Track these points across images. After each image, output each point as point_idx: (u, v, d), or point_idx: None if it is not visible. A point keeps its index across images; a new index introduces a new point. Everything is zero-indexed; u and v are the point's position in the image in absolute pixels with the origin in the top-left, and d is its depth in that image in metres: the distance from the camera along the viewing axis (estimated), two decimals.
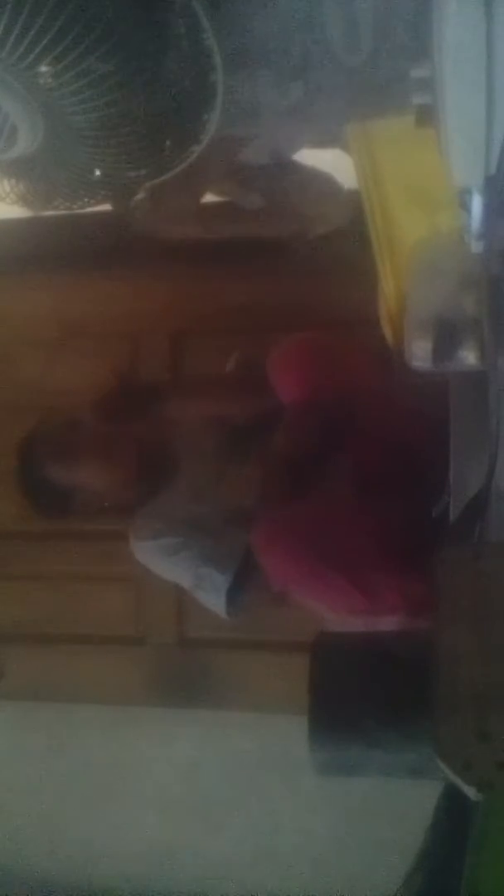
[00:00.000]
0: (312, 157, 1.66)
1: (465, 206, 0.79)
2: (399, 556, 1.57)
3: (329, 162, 1.63)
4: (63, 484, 1.91)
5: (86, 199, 0.92)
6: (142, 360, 2.44)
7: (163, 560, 1.86)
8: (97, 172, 0.83)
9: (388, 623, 1.59)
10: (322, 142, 1.45)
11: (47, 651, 2.45)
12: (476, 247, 0.84)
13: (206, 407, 1.98)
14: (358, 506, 1.72)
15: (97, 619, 2.43)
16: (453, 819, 1.20)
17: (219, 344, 2.34)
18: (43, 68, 0.73)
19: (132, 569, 2.46)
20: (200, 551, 1.80)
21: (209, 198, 1.88)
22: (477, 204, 0.78)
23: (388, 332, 1.25)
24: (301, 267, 2.08)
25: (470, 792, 0.90)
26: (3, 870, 2.48)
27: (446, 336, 0.97)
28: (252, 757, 2.35)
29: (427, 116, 0.73)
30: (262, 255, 2.08)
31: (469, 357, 0.97)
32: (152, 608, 2.41)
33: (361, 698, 1.05)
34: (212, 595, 1.80)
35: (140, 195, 1.38)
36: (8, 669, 2.45)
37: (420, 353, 0.98)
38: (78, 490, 1.92)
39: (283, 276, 2.17)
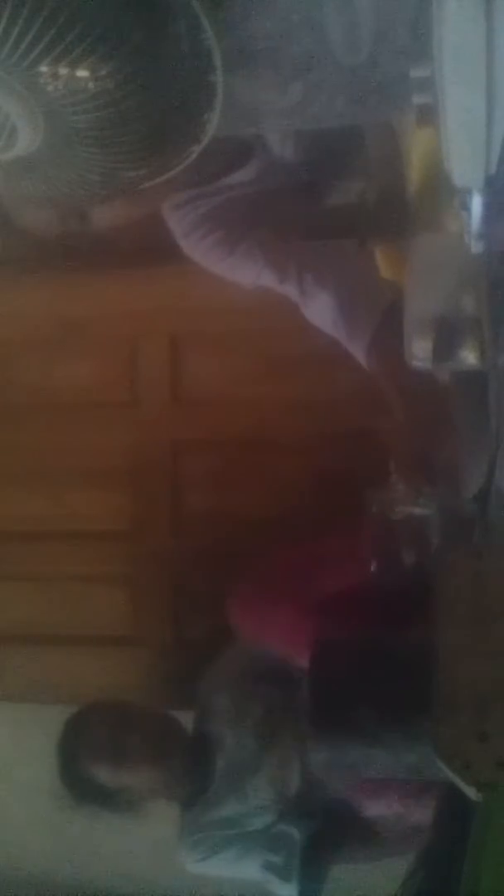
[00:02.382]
0: None
1: (465, 206, 0.79)
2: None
3: None
4: (108, 784, 1.83)
5: (85, 200, 0.92)
6: (141, 361, 2.45)
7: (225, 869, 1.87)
8: (97, 173, 0.83)
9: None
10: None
11: (47, 651, 2.45)
12: (476, 247, 0.84)
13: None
14: None
15: (96, 620, 2.43)
16: (453, 819, 1.20)
17: (220, 345, 2.35)
18: (43, 68, 0.73)
19: (131, 569, 2.47)
20: (260, 861, 1.80)
21: None
22: (477, 204, 0.78)
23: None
24: None
25: (470, 792, 0.90)
26: (3, 870, 2.48)
27: (446, 336, 0.97)
28: None
29: (427, 116, 0.74)
30: None
31: (469, 357, 0.97)
32: (150, 608, 2.42)
33: (361, 698, 1.05)
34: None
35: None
36: (7, 669, 2.45)
37: (420, 353, 0.98)
38: (124, 789, 1.84)
39: None
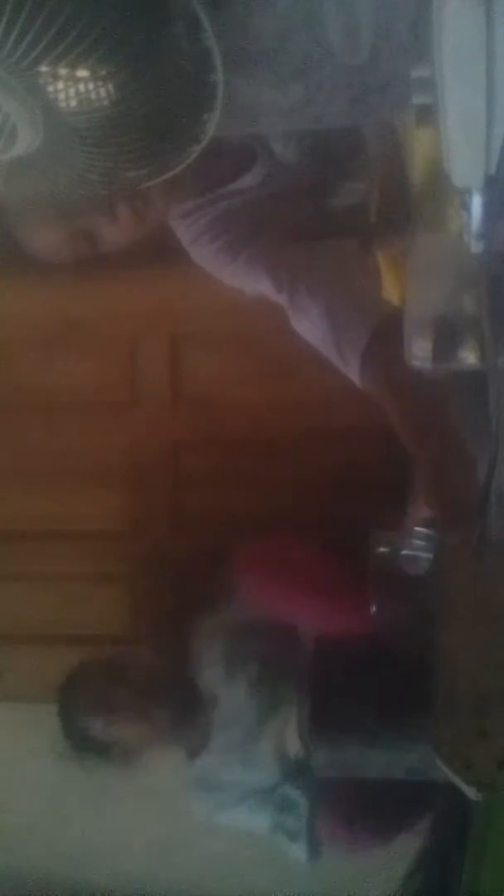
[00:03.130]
0: None
1: (465, 206, 0.79)
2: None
3: None
4: (104, 738, 1.90)
5: (85, 199, 0.92)
6: (142, 361, 2.44)
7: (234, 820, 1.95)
8: (97, 172, 0.83)
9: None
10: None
11: (47, 651, 2.45)
12: (476, 247, 0.84)
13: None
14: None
15: (96, 619, 2.43)
16: (453, 819, 1.20)
17: (220, 345, 2.35)
18: (43, 68, 0.73)
19: (131, 569, 2.47)
20: (269, 819, 1.88)
21: None
22: (477, 204, 0.78)
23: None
24: None
25: (470, 792, 0.90)
26: (3, 870, 2.48)
27: (446, 336, 0.97)
28: None
29: (427, 116, 0.74)
30: None
31: (469, 357, 0.97)
32: (150, 608, 2.41)
33: (361, 698, 1.04)
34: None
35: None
36: (8, 669, 2.45)
37: (420, 353, 0.98)
38: (119, 742, 1.91)
39: None
